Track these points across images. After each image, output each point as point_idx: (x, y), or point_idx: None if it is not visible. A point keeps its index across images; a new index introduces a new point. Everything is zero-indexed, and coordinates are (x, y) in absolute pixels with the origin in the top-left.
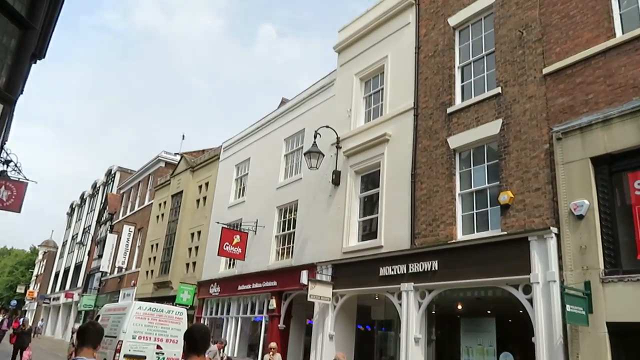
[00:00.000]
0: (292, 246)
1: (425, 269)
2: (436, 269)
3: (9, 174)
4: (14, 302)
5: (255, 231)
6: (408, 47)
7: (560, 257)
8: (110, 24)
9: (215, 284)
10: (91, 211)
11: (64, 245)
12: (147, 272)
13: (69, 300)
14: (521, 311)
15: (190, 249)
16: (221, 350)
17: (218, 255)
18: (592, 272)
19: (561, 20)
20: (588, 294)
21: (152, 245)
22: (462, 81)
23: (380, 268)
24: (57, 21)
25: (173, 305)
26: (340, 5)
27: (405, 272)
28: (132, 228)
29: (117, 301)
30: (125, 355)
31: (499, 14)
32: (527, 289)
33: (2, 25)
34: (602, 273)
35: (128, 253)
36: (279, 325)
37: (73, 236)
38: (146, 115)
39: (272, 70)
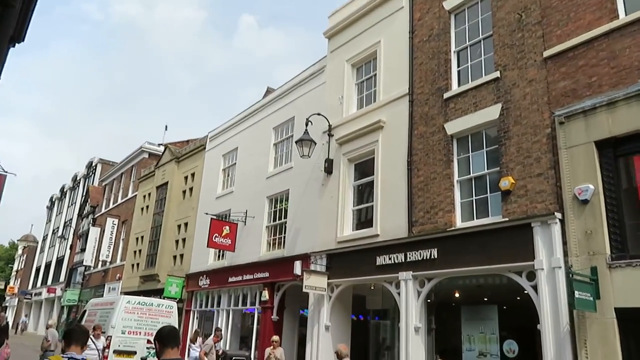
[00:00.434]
0: (284, 236)
1: (425, 257)
2: (435, 257)
3: None
4: None
5: (245, 222)
6: (402, 31)
7: (565, 243)
8: (87, 14)
9: (205, 276)
10: (72, 204)
11: (44, 239)
12: (132, 265)
13: (52, 295)
14: (518, 298)
15: (177, 241)
16: (216, 343)
17: (207, 246)
18: (598, 258)
19: (561, 2)
20: (595, 279)
21: (137, 238)
22: (459, 66)
23: (377, 257)
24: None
25: (161, 298)
26: None
27: (403, 260)
28: (116, 221)
29: (102, 295)
30: (115, 351)
31: None
32: (531, 276)
33: None
34: (608, 258)
35: (112, 246)
36: (272, 317)
37: (54, 230)
38: (129, 108)
39: (255, 62)
